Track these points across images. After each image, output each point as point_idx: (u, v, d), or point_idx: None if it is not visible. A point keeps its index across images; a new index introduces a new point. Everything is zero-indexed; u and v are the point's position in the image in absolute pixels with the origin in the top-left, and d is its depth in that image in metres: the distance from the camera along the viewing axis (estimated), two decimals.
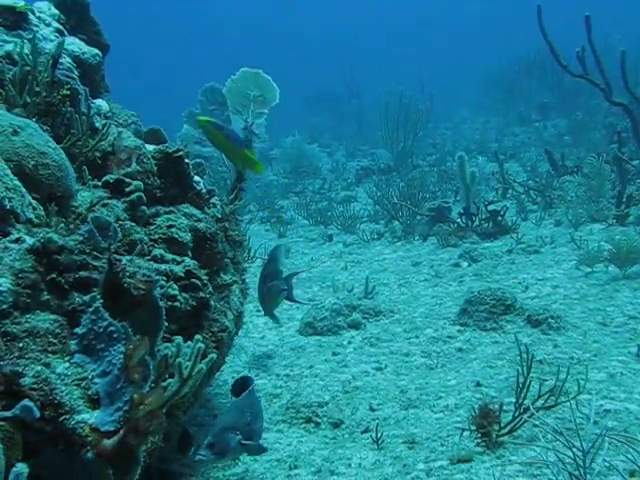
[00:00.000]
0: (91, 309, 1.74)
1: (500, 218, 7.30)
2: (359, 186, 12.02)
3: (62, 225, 1.93)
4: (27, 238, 1.85)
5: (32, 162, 2.14)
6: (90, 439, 1.59)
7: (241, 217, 4.87)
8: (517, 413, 3.24)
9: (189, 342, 2.10)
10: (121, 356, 1.67)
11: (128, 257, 2.03)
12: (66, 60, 3.72)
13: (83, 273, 1.86)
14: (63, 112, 2.58)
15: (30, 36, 3.10)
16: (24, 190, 1.99)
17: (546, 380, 3.82)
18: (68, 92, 2.58)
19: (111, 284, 1.83)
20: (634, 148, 8.78)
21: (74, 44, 3.80)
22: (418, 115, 12.84)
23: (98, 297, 1.77)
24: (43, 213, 2.01)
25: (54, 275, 1.80)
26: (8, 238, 1.84)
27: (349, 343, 5.03)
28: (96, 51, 3.83)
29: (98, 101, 3.71)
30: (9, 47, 3.37)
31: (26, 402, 1.56)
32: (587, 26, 7.97)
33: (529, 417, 3.24)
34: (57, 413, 1.61)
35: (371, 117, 17.71)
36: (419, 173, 11.30)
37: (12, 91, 2.47)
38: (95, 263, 1.86)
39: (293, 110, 23.96)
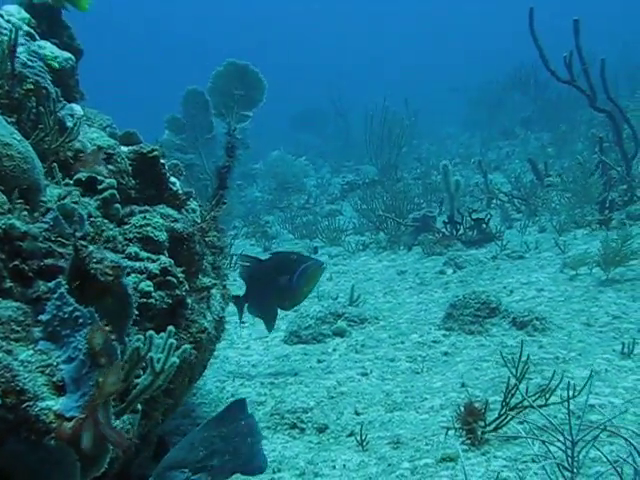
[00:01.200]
0: (56, 295, 1.70)
1: (485, 226, 7.29)
2: (344, 200, 12.02)
3: (26, 213, 1.89)
4: None
5: None
6: (55, 426, 1.54)
7: (224, 227, 4.83)
8: (503, 410, 3.20)
9: (162, 333, 2.06)
10: (87, 341, 1.63)
11: (96, 246, 1.99)
12: (37, 64, 3.71)
13: (49, 261, 1.81)
14: (29, 107, 2.54)
15: None
16: None
17: (531, 379, 3.79)
18: (32, 86, 2.54)
19: (77, 270, 1.79)
20: (614, 156, 8.81)
21: (46, 48, 3.76)
22: (402, 129, 12.87)
23: (63, 283, 1.72)
24: (6, 199, 1.96)
25: (17, 262, 1.75)
26: None
27: (334, 350, 4.98)
28: (69, 55, 3.79)
29: (72, 105, 3.67)
30: None
31: None
32: (575, 30, 7.99)
33: (515, 414, 3.21)
34: (20, 400, 1.56)
35: (356, 134, 17.77)
36: (404, 185, 11.32)
37: None
38: (61, 250, 1.82)
39: (278, 128, 24.05)
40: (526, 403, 3.21)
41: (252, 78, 5.05)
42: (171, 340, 2.01)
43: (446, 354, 4.62)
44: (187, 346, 2.03)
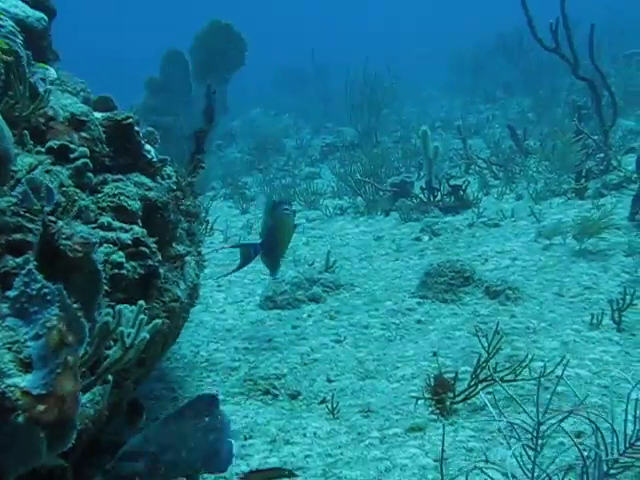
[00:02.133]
0: (24, 271, 1.69)
1: (462, 193, 7.31)
2: (323, 163, 11.99)
3: None
4: None
5: None
6: (21, 403, 1.55)
7: (202, 192, 4.80)
8: (473, 382, 3.26)
9: (133, 307, 2.07)
10: (55, 318, 1.63)
11: (66, 220, 1.98)
12: (8, 23, 3.63)
13: (17, 236, 1.80)
14: None
15: None
16: None
17: (501, 349, 3.85)
18: (9, 58, 2.50)
19: (46, 246, 1.78)
20: (593, 124, 8.85)
21: (17, 7, 3.68)
22: (383, 92, 12.81)
23: (32, 259, 1.72)
24: None
25: None
26: None
27: (309, 316, 5.01)
28: (41, 15, 3.72)
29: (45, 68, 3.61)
30: None
31: None
32: None
33: (484, 386, 3.27)
34: None
35: (338, 96, 17.67)
36: (383, 150, 11.31)
37: None
38: (30, 226, 1.81)
39: (259, 86, 23.84)
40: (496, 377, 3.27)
41: (234, 38, 4.97)
42: (141, 316, 2.01)
43: (419, 322, 4.67)
44: (158, 321, 2.03)
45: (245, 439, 3.27)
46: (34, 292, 1.67)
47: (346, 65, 14.71)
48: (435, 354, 4.00)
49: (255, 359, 4.32)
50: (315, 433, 3.24)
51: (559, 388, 3.32)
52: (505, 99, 17.24)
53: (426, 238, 6.53)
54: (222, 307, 5.54)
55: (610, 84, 8.42)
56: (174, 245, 3.34)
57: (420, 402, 3.35)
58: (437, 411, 3.24)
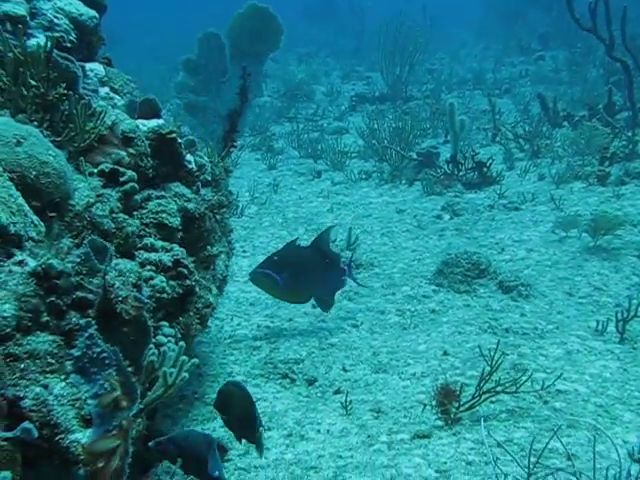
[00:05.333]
0: (86, 334, 1.94)
1: (486, 169, 7.44)
2: (352, 115, 12.04)
3: (61, 246, 2.10)
4: (29, 260, 2.03)
5: (34, 172, 2.28)
6: (82, 458, 1.82)
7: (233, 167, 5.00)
8: (477, 394, 3.51)
9: (174, 347, 2.32)
10: (112, 383, 1.88)
11: (116, 273, 2.21)
12: (63, 22, 3.80)
13: (79, 294, 2.04)
14: (61, 110, 2.69)
15: None
16: (27, 208, 2.15)
17: (508, 354, 4.10)
18: (65, 91, 2.68)
19: (105, 309, 2.02)
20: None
21: (72, 4, 3.85)
22: (416, 47, 12.75)
23: (92, 323, 1.96)
24: (44, 230, 2.17)
25: (53, 298, 1.98)
26: (12, 260, 2.01)
27: None
28: (93, 13, 3.88)
29: (94, 65, 3.78)
30: (7, 7, 3.44)
31: (26, 424, 1.78)
32: None
33: (488, 397, 3.53)
34: (53, 433, 1.83)
35: (370, 36, 17.51)
36: (413, 105, 11.40)
37: (12, 87, 2.59)
38: (91, 287, 2.04)
39: (289, 18, 23.52)
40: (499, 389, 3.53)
41: (270, 21, 5.10)
42: (182, 357, 2.26)
43: (433, 312, 4.91)
44: (195, 360, 2.28)
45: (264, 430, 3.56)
46: (94, 355, 1.93)
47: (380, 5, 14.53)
48: (445, 353, 4.24)
49: (276, 339, 4.60)
50: (328, 430, 3.52)
51: (557, 404, 3.57)
52: (541, 52, 16.97)
53: (447, 217, 6.71)
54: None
55: None
56: (208, 247, 3.57)
57: (427, 407, 3.61)
58: (443, 417, 3.50)
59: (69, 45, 3.66)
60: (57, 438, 1.83)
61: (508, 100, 12.43)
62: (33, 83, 2.68)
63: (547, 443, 2.96)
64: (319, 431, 3.54)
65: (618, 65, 8.52)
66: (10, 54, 2.67)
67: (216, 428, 3.63)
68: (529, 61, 16.42)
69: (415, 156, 8.09)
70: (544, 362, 4.03)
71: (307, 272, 4.53)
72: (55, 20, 3.70)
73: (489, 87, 13.65)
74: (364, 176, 8.34)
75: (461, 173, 7.56)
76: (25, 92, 2.66)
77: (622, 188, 6.87)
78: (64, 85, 2.70)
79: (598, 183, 7.11)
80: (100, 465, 1.82)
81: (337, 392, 3.96)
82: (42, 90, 2.64)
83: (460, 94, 13.13)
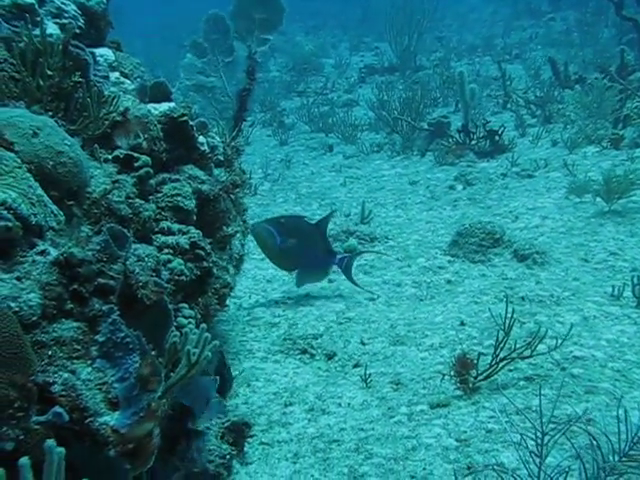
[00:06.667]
0: (109, 320, 1.99)
1: (497, 138, 7.42)
2: (362, 87, 12.00)
3: (81, 235, 2.15)
4: (51, 250, 2.07)
5: (51, 162, 2.32)
6: (112, 439, 1.87)
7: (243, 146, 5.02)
8: (494, 362, 3.55)
9: (195, 330, 2.37)
10: (136, 365, 1.94)
11: (135, 258, 2.25)
12: (71, 8, 3.82)
13: (101, 280, 2.09)
14: (76, 98, 2.72)
15: None
16: (46, 198, 2.19)
17: (524, 323, 4.13)
18: (80, 79, 2.72)
19: (126, 294, 2.07)
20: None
21: None
22: (424, 14, 12.65)
23: (115, 309, 2.01)
24: (63, 219, 2.22)
25: (76, 286, 2.03)
26: (34, 250, 2.06)
27: None
28: None
29: (104, 50, 3.80)
30: None
31: (57, 409, 1.84)
32: None
33: (505, 364, 3.57)
34: (83, 416, 1.88)
35: (377, 4, 17.35)
36: (423, 76, 11.33)
37: (28, 78, 2.62)
38: (111, 273, 2.09)
39: None
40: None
41: (273, 1, 5.13)
42: (205, 334, 2.31)
43: (449, 282, 4.95)
44: (216, 342, 2.33)
45: (285, 405, 3.63)
46: (118, 340, 1.98)
47: None
48: (462, 323, 4.28)
49: (294, 315, 4.65)
50: (349, 404, 3.58)
51: (574, 370, 3.60)
52: (551, 14, 16.78)
53: (460, 187, 6.72)
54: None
55: None
56: (224, 228, 3.61)
57: (446, 377, 3.66)
58: (462, 386, 3.55)
59: (78, 31, 3.69)
60: (87, 421, 1.89)
61: (518, 65, 12.34)
62: (50, 73, 2.71)
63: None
64: (340, 405, 3.59)
65: (630, 24, 8.39)
66: (31, 46, 2.69)
67: (239, 405, 3.69)
68: (539, 24, 16.25)
69: (426, 126, 8.07)
70: (561, 330, 4.06)
71: (303, 245, 4.75)
72: (63, 7, 3.71)
73: (499, 53, 13.53)
74: (376, 148, 8.35)
75: (473, 142, 7.54)
76: (42, 83, 2.69)
77: (636, 151, 6.83)
78: (78, 74, 2.72)
79: (612, 147, 7.07)
80: (130, 447, 1.87)
81: (356, 366, 4.01)
82: (57, 79, 2.67)
83: (470, 61, 13.04)
